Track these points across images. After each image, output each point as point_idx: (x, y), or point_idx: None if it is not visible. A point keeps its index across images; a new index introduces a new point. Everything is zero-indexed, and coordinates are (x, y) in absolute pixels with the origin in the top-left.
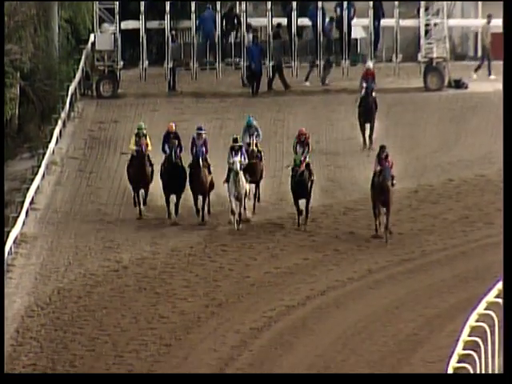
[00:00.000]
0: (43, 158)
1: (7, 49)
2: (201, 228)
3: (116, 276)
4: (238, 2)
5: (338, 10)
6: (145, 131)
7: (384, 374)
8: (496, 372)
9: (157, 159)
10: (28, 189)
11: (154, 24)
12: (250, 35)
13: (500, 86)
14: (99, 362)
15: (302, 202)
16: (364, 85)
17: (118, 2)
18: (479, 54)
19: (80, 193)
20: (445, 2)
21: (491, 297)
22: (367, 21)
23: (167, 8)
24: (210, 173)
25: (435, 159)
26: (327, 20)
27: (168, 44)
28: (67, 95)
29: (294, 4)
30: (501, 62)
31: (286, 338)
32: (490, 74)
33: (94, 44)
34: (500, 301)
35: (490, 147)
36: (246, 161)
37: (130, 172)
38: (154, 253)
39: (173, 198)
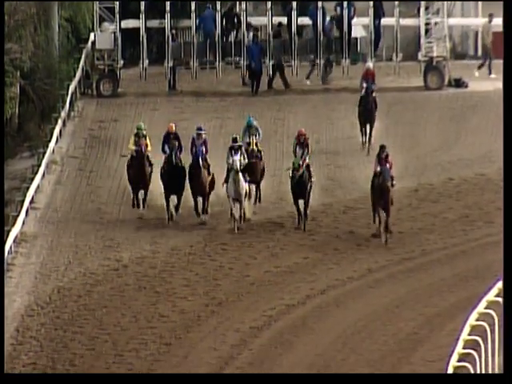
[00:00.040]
0: (43, 157)
1: (7, 48)
2: (201, 227)
3: (116, 275)
4: (237, 2)
5: (338, 9)
6: (144, 131)
7: (384, 373)
8: (496, 371)
9: (157, 159)
10: (28, 188)
11: (154, 23)
12: (251, 34)
13: (500, 84)
14: (99, 361)
15: (302, 203)
16: (364, 85)
17: (118, 1)
18: (479, 53)
19: (80, 192)
20: (445, 1)
21: (491, 296)
22: (367, 20)
23: (167, 7)
24: (209, 174)
25: (435, 158)
26: (327, 19)
27: (168, 43)
28: (67, 94)
29: (294, 3)
30: (501, 61)
31: (286, 337)
32: (490, 73)
33: (94, 43)
34: (500, 300)
35: (490, 146)
36: (246, 160)
37: (129, 173)
38: (153, 252)
39: (173, 198)
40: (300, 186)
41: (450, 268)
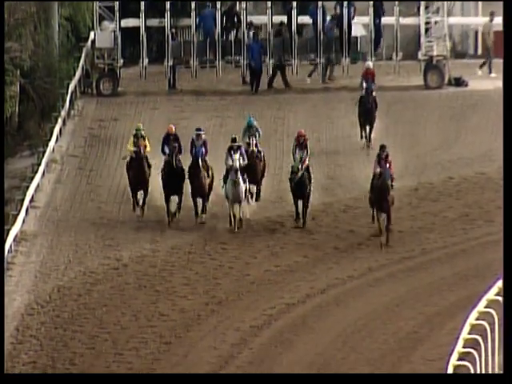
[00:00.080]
0: (43, 156)
1: (7, 46)
2: (201, 226)
3: (116, 274)
4: (238, 1)
5: (338, 8)
6: (143, 132)
7: (384, 373)
8: (496, 370)
9: (156, 160)
10: (28, 187)
11: (154, 22)
12: (251, 32)
13: (500, 83)
14: (99, 360)
15: (301, 204)
16: (364, 85)
17: (118, 1)
18: (479, 52)
19: (80, 191)
20: (445, 1)
21: (491, 295)
22: (367, 19)
23: (167, 6)
24: (209, 175)
25: (435, 157)
26: (328, 18)
27: (168, 42)
28: (67, 93)
29: (294, 3)
30: (501, 60)
31: (285, 336)
32: (490, 72)
33: (94, 42)
34: (500, 299)
35: (490, 145)
36: (246, 161)
37: (129, 174)
38: (153, 251)
39: (173, 199)
40: (300, 189)
41: (450, 267)
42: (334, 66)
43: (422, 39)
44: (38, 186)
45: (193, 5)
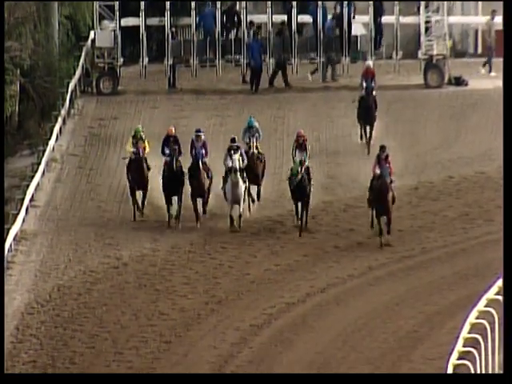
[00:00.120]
0: (43, 155)
1: (7, 45)
2: (201, 225)
3: (116, 273)
4: (238, 1)
5: (338, 7)
6: (142, 134)
7: (383, 373)
8: (496, 369)
9: (156, 161)
10: (28, 186)
11: (154, 21)
12: (251, 31)
13: (500, 82)
14: (99, 359)
15: (300, 206)
16: (364, 84)
17: (118, 0)
18: (479, 51)
19: (80, 190)
20: (445, 1)
21: (491, 294)
22: (367, 18)
23: (167, 5)
24: (208, 177)
25: (435, 156)
26: (329, 17)
27: (168, 41)
28: (67, 92)
29: (294, 2)
30: (501, 59)
31: (285, 335)
32: (490, 71)
33: (94, 41)
34: (500, 298)
35: (490, 144)
36: (245, 162)
37: (128, 175)
38: (153, 250)
39: (174, 199)
40: (300, 191)
41: (450, 266)
42: (336, 65)
43: (422, 38)
44: (38, 185)
45: (193, 4)
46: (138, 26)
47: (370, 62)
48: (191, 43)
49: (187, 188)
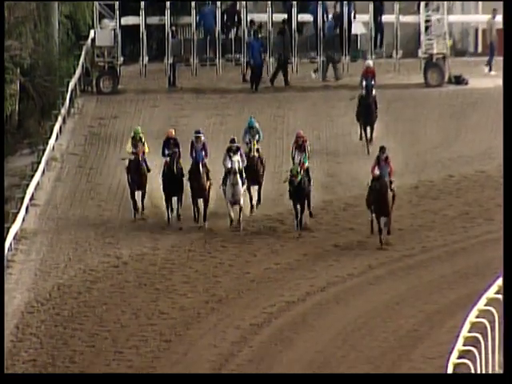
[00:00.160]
0: (43, 154)
1: (7, 45)
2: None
3: (116, 272)
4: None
5: (338, 6)
6: (141, 135)
7: (383, 373)
8: (496, 368)
9: (157, 161)
10: (28, 185)
11: (154, 20)
12: (252, 30)
13: (500, 81)
14: (99, 358)
15: (299, 208)
16: (364, 83)
17: None
18: (479, 49)
19: (80, 189)
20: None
21: (491, 293)
22: (367, 17)
23: (167, 4)
24: (208, 178)
25: (435, 155)
26: (330, 16)
27: (168, 40)
28: (67, 91)
29: (295, 2)
30: (501, 58)
31: (286, 334)
32: (490, 70)
33: (94, 40)
34: (500, 297)
35: (490, 143)
36: (245, 163)
37: (128, 177)
38: (153, 248)
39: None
40: (299, 193)
41: (450, 265)
42: (337, 64)
43: (422, 37)
44: (37, 184)
45: (193, 3)
46: (138, 25)
47: (370, 62)
48: (191, 42)
49: (187, 188)
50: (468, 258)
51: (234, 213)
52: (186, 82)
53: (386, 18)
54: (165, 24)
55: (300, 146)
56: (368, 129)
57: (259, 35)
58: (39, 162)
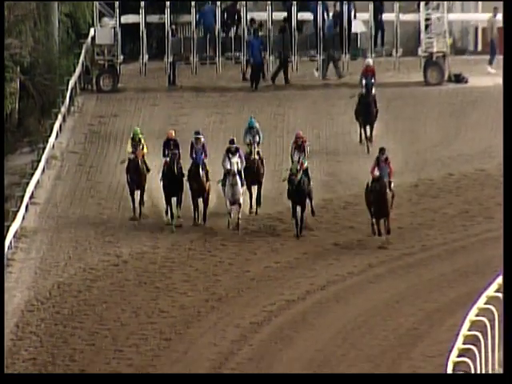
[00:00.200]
0: (43, 152)
1: (7, 43)
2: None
3: (116, 270)
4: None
5: (338, 5)
6: (141, 136)
7: (383, 373)
8: (496, 366)
9: (156, 161)
10: (28, 183)
11: (154, 18)
12: (252, 29)
13: (500, 80)
14: (99, 357)
15: (299, 210)
16: (364, 82)
17: None
18: (479, 48)
19: (80, 187)
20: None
21: (491, 291)
22: (367, 15)
23: (167, 2)
24: (208, 179)
25: (435, 153)
26: (330, 15)
27: (168, 38)
28: (67, 89)
29: (294, 1)
30: (501, 57)
31: (286, 333)
32: (490, 63)
33: (94, 38)
34: (500, 295)
35: (489, 141)
36: (244, 164)
37: (127, 177)
38: (153, 247)
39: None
40: (299, 194)
41: (449, 263)
42: (338, 62)
43: (422, 36)
44: (37, 182)
45: (193, 1)
46: (138, 24)
47: (370, 60)
48: (191, 40)
49: (187, 188)
50: (468, 257)
51: (233, 212)
52: (185, 80)
53: (386, 16)
54: (165, 22)
55: (299, 146)
56: (368, 128)
57: (259, 34)
58: (39, 161)
